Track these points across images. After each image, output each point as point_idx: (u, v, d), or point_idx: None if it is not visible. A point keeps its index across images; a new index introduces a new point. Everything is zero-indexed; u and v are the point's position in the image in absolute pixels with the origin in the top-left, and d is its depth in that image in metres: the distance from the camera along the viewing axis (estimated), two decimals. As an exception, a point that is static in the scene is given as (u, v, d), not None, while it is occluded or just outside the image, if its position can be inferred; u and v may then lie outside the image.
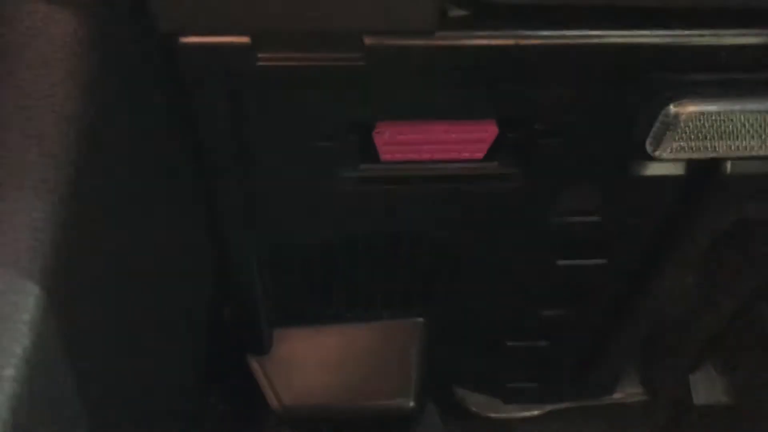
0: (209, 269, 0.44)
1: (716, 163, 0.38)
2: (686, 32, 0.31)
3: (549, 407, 0.66)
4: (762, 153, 0.36)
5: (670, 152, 0.36)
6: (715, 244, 0.44)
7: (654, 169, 0.38)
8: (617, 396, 0.65)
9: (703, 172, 0.38)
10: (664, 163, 0.38)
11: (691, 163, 0.38)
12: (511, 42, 0.30)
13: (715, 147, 0.36)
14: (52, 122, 0.23)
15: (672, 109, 0.34)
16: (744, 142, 0.36)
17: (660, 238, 0.44)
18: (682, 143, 0.36)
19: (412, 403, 0.55)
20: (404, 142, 0.36)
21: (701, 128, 0.35)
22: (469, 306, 0.51)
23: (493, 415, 0.66)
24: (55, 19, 0.25)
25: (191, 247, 0.40)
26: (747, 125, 0.35)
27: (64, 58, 0.25)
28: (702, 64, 0.32)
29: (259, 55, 0.29)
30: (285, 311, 0.51)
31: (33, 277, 0.21)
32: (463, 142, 0.37)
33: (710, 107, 0.34)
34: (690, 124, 0.35)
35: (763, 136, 0.36)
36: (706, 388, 0.60)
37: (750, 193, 0.40)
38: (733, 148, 0.36)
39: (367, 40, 0.29)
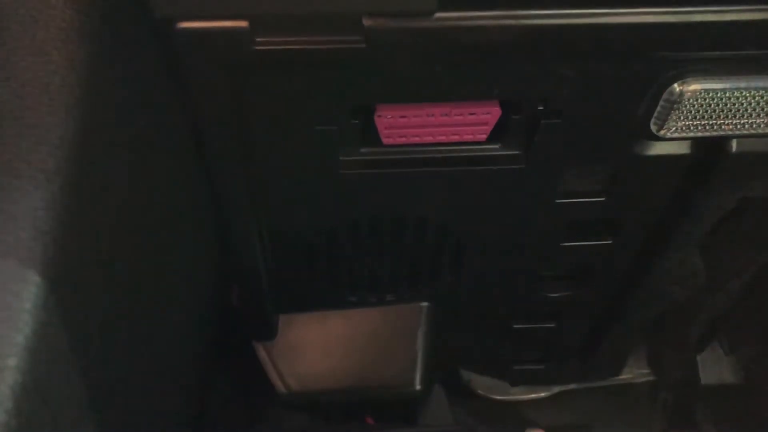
0: (214, 255, 0.44)
1: (722, 141, 0.37)
2: (689, 9, 0.30)
3: (556, 389, 0.66)
4: (768, 130, 0.36)
5: (675, 131, 0.36)
6: (721, 222, 0.43)
7: (659, 149, 0.38)
8: (624, 377, 0.65)
9: (709, 151, 0.38)
10: (669, 143, 0.38)
11: (696, 142, 0.38)
12: (511, 22, 0.30)
13: (720, 125, 0.36)
14: (49, 111, 0.23)
15: (676, 87, 0.34)
16: (750, 120, 0.36)
17: (665, 218, 0.44)
18: (687, 122, 0.35)
19: (418, 387, 0.55)
20: (406, 125, 0.36)
21: (706, 106, 0.35)
22: (474, 289, 0.51)
23: (499, 397, 0.67)
24: (52, 6, 0.25)
25: (195, 233, 0.40)
26: (753, 103, 0.35)
27: (61, 46, 0.25)
28: (706, 42, 0.32)
29: (257, 39, 0.29)
30: (290, 297, 0.51)
31: (34, 266, 0.21)
32: (466, 124, 0.36)
33: (715, 85, 0.34)
34: (695, 102, 0.34)
35: (770, 114, 0.35)
36: (714, 368, 0.60)
37: (756, 171, 0.39)
38: (738, 126, 0.36)
39: (366, 22, 0.29)
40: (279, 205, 0.41)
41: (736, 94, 0.34)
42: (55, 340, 0.21)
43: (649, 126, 0.36)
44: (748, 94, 0.34)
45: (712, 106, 0.35)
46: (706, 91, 0.34)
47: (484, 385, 0.66)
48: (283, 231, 0.44)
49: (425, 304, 0.53)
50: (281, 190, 0.40)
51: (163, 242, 0.34)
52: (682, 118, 0.35)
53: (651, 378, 0.65)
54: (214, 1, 0.27)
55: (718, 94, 0.34)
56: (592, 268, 0.49)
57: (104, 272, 0.26)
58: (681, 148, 0.38)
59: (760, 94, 0.34)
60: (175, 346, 0.38)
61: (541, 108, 0.35)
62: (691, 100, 0.34)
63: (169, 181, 0.34)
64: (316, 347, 0.55)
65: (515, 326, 0.56)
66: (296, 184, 0.40)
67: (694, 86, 0.34)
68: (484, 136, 0.37)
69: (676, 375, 0.62)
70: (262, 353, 0.57)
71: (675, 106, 0.34)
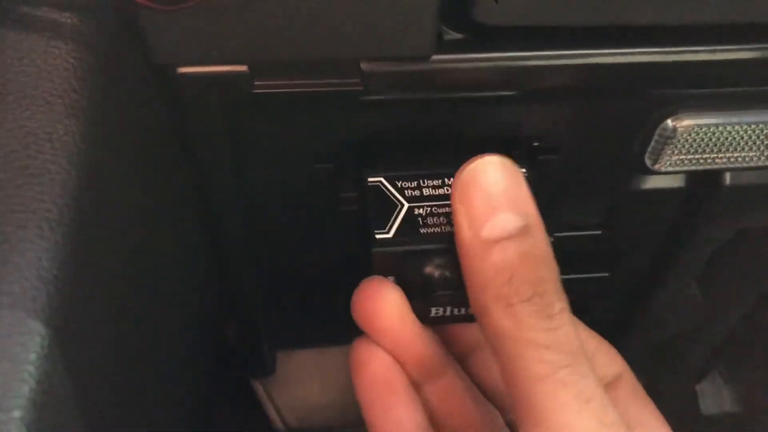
0: (213, 295, 0.44)
1: (716, 174, 0.38)
2: (681, 49, 0.31)
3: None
4: (760, 163, 0.37)
5: (670, 165, 0.36)
6: (717, 254, 0.44)
7: (654, 182, 0.39)
8: (624, 407, 0.64)
9: (703, 184, 0.38)
10: (664, 176, 0.38)
11: (691, 175, 0.38)
12: (506, 63, 0.30)
13: (713, 159, 0.36)
14: (53, 160, 0.24)
15: (669, 123, 0.34)
16: (742, 153, 0.36)
17: (662, 250, 0.44)
18: (680, 156, 0.36)
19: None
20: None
21: (699, 141, 0.35)
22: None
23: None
24: (54, 55, 0.25)
25: (194, 272, 0.40)
26: (745, 137, 0.35)
27: (63, 95, 0.25)
28: (698, 80, 0.33)
29: (256, 83, 0.29)
30: (287, 334, 0.51)
31: (38, 317, 0.21)
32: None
33: (707, 120, 0.34)
34: (688, 137, 0.35)
35: (761, 147, 0.36)
36: (714, 398, 0.60)
37: (750, 202, 0.40)
38: (731, 159, 0.36)
39: (364, 66, 0.29)
40: (277, 244, 0.41)
41: (728, 128, 0.35)
42: (59, 390, 0.21)
43: (644, 160, 0.36)
44: (740, 129, 0.35)
45: (705, 140, 0.35)
46: (699, 126, 0.34)
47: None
48: (280, 268, 0.44)
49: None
50: (280, 227, 0.40)
51: (165, 284, 0.34)
52: (676, 152, 0.36)
53: (651, 408, 0.64)
54: (215, 50, 0.27)
55: (711, 129, 0.35)
56: (588, 300, 0.49)
57: (107, 318, 0.26)
58: (676, 182, 0.39)
59: (752, 128, 0.35)
60: (176, 389, 0.38)
61: (537, 144, 0.36)
62: (684, 135, 0.35)
63: (170, 225, 0.34)
64: (315, 383, 0.55)
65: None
66: (295, 222, 0.40)
67: (687, 122, 0.34)
68: (481, 173, 0.37)
69: (676, 405, 0.62)
70: (259, 390, 0.57)
71: (669, 141, 0.35)
